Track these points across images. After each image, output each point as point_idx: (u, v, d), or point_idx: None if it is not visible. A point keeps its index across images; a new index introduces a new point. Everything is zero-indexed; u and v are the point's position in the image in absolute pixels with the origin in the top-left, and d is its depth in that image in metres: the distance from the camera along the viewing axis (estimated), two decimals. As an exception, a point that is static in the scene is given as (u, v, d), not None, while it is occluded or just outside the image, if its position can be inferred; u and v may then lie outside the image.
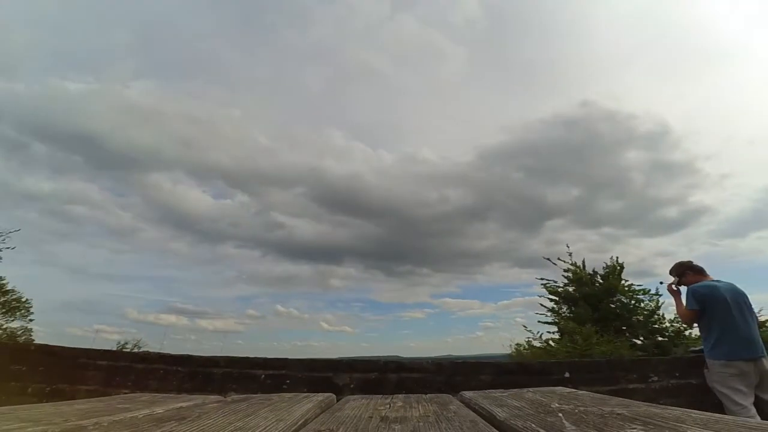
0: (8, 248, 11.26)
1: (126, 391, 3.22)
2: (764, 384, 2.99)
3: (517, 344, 9.02)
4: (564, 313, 8.96)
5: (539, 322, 8.91)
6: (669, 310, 8.43)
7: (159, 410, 0.69)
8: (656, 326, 8.23)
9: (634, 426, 0.50)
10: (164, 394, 0.98)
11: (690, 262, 3.55)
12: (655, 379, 3.18)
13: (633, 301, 8.85)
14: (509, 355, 9.35)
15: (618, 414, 0.60)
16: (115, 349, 9.19)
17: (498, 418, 0.69)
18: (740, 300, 3.15)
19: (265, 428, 0.53)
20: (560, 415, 0.63)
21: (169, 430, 0.51)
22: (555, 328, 8.62)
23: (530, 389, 0.97)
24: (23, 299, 11.99)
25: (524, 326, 9.25)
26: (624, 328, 8.54)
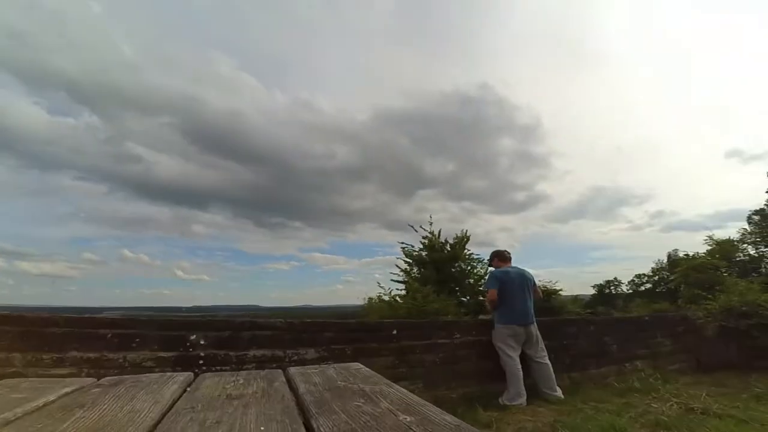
0: None
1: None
2: (529, 342, 4.17)
3: (369, 298, 10.08)
4: (414, 273, 10.30)
5: (392, 280, 10.16)
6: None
7: (52, 397, 0.93)
8: (481, 289, 10.06)
9: (360, 400, 0.95)
10: (29, 379, 1.17)
11: (501, 251, 4.63)
12: (458, 336, 4.16)
13: (469, 267, 10.65)
14: (362, 307, 10.37)
15: (359, 390, 1.05)
16: None
17: (299, 392, 1.08)
18: (524, 282, 4.28)
19: (149, 410, 0.83)
20: (330, 388, 1.05)
21: (80, 416, 0.79)
22: (404, 286, 9.86)
23: (334, 365, 1.42)
24: None
25: (378, 283, 10.41)
26: (457, 289, 10.22)
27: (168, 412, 0.86)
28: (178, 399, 0.99)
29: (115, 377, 1.18)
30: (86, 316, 3.16)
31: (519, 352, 4.12)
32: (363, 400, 0.94)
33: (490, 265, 4.78)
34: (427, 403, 0.89)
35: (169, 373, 1.22)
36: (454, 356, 4.08)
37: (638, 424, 3.14)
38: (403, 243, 10.60)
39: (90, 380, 1.14)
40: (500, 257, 4.61)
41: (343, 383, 1.14)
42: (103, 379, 1.16)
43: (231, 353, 3.32)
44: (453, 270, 10.23)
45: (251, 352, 3.37)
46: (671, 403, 3.60)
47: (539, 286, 4.71)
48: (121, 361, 3.03)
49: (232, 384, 1.16)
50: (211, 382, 1.17)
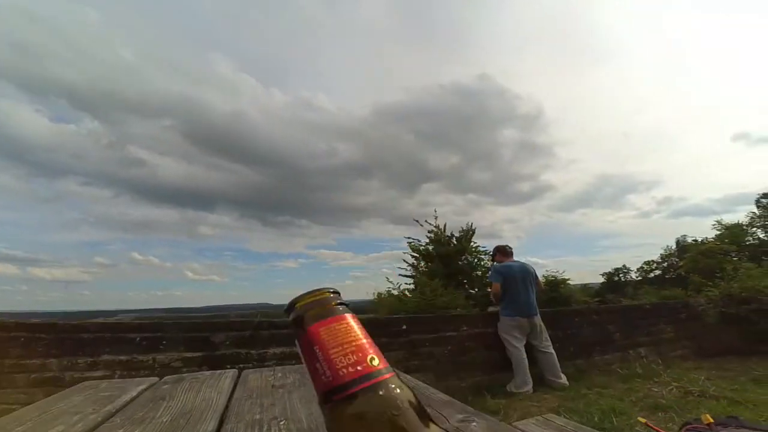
0: None
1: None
2: (534, 333, 4.37)
3: (378, 293, 10.25)
4: (422, 268, 10.46)
5: (399, 275, 10.32)
6: (499, 269, 10.64)
7: (134, 393, 1.15)
8: (489, 280, 10.19)
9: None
10: (106, 381, 1.39)
11: (503, 246, 4.83)
12: (465, 328, 4.36)
13: (476, 260, 10.77)
14: (371, 302, 10.49)
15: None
16: None
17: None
18: (526, 275, 4.46)
19: (217, 398, 1.03)
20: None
21: (167, 405, 1.00)
22: (412, 281, 10.03)
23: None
24: None
25: (387, 278, 10.58)
26: (465, 281, 10.39)
27: (230, 399, 1.07)
28: (234, 390, 1.20)
29: (175, 376, 1.39)
30: (116, 321, 3.40)
31: (524, 343, 4.32)
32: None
33: (492, 260, 4.98)
34: (424, 385, 1.10)
35: (219, 371, 1.44)
36: (463, 348, 4.29)
37: (638, 407, 3.32)
38: (409, 237, 10.63)
39: (154, 379, 1.35)
40: (502, 252, 4.82)
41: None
42: (165, 378, 1.37)
43: (252, 351, 3.55)
44: (460, 263, 10.37)
45: (271, 350, 3.60)
46: (671, 387, 3.78)
47: (545, 277, 4.89)
48: (150, 362, 3.27)
49: (272, 377, 1.38)
50: (255, 377, 1.38)
